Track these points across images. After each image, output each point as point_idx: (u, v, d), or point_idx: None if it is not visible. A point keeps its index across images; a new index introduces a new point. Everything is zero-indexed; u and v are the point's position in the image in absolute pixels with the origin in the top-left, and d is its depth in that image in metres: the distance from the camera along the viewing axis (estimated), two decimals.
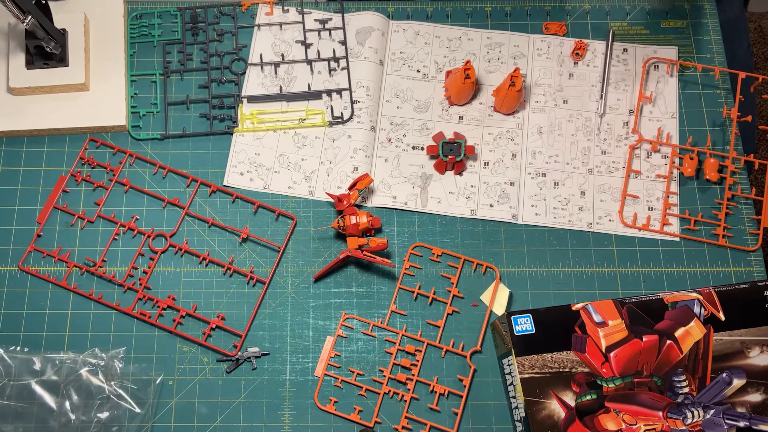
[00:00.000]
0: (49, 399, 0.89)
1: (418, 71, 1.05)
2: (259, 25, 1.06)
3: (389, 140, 1.02)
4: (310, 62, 1.05)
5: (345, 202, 0.95)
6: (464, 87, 0.99)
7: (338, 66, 1.04)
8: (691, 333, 0.86)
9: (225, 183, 0.99)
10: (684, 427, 0.83)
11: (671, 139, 1.02)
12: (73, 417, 0.88)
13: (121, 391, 0.89)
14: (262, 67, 1.04)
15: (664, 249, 0.97)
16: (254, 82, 1.04)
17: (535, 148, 1.02)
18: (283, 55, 1.05)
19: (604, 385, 0.84)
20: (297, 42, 1.06)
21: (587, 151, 1.02)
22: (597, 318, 0.86)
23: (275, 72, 1.04)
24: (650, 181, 1.00)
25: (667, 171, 1.00)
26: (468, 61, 0.98)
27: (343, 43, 1.05)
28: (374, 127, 1.02)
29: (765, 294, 0.87)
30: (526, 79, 1.04)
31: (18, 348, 0.91)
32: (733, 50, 1.13)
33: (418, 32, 1.07)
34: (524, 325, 0.86)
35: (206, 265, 0.96)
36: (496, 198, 0.99)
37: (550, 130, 1.03)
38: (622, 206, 0.98)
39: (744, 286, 0.88)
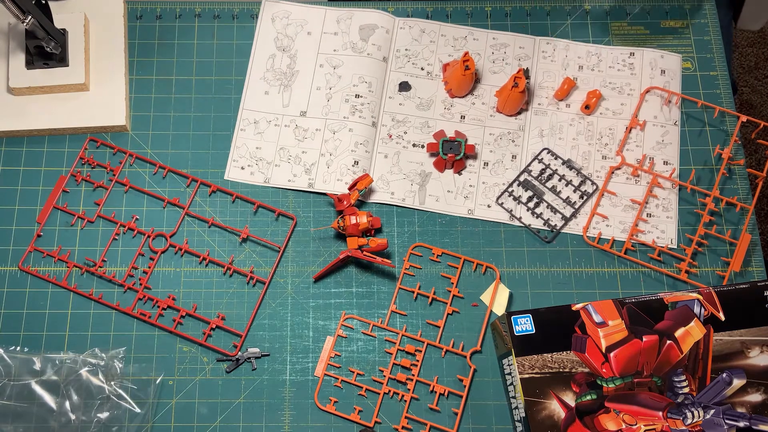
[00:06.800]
0: (49, 399, 0.89)
1: (422, 69, 1.05)
2: (260, 22, 1.06)
3: (390, 136, 1.02)
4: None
5: (345, 202, 0.95)
6: (464, 79, 1.00)
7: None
8: (691, 333, 0.86)
9: (225, 177, 0.99)
10: (684, 428, 0.83)
11: (655, 167, 1.00)
12: (73, 417, 0.88)
13: (121, 391, 0.89)
14: (263, 63, 1.04)
15: (663, 251, 0.97)
16: (256, 77, 1.04)
17: (535, 151, 1.02)
18: (285, 50, 1.05)
19: (604, 385, 0.84)
20: (299, 36, 1.06)
21: (588, 156, 1.02)
22: (597, 318, 0.86)
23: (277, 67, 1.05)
24: (633, 199, 0.99)
25: (643, 197, 0.99)
26: (466, 53, 0.99)
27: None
28: (375, 123, 1.02)
29: (765, 294, 0.87)
30: (529, 81, 1.04)
31: (18, 348, 0.91)
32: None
33: (424, 30, 1.07)
34: (524, 325, 0.86)
35: (206, 265, 0.96)
36: (493, 198, 0.99)
37: (551, 132, 1.03)
38: (588, 223, 0.98)
39: (744, 286, 0.88)
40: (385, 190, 0.99)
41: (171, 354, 0.92)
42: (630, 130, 1.02)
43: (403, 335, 0.93)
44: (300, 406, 0.90)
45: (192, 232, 0.98)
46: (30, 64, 1.00)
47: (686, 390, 0.84)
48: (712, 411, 0.84)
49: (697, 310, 0.87)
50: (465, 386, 0.91)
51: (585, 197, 0.99)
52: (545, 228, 0.98)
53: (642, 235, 0.98)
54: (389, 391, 0.91)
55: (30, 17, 0.92)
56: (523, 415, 0.84)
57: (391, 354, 0.92)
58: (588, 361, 0.85)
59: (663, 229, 0.98)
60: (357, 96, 1.03)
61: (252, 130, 1.02)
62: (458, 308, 0.95)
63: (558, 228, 0.98)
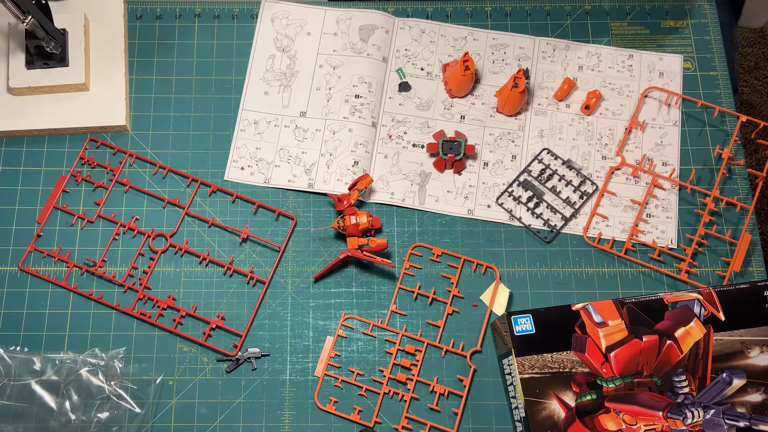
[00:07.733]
0: (49, 399, 0.89)
1: (422, 69, 1.05)
2: (259, 22, 1.07)
3: (390, 137, 1.02)
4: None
5: (345, 202, 0.95)
6: (464, 79, 1.00)
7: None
8: (691, 333, 0.86)
9: (225, 178, 0.99)
10: (684, 428, 0.83)
11: (655, 167, 1.00)
12: (73, 417, 0.88)
13: (121, 391, 0.89)
14: (263, 63, 1.05)
15: (663, 251, 0.97)
16: (256, 77, 1.04)
17: (535, 151, 1.02)
18: (284, 50, 1.05)
19: (604, 385, 0.84)
20: (299, 36, 1.06)
21: (588, 156, 1.02)
22: (597, 318, 0.86)
23: (276, 67, 1.05)
24: (634, 200, 0.99)
25: (643, 197, 0.99)
26: (466, 53, 0.99)
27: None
28: (375, 123, 1.02)
29: (765, 294, 0.87)
30: (529, 81, 1.04)
31: (18, 348, 0.91)
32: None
33: (424, 30, 1.07)
34: (524, 325, 0.86)
35: (206, 265, 0.96)
36: (493, 198, 0.99)
37: (551, 133, 1.03)
38: (588, 223, 0.98)
39: (744, 286, 0.88)
40: (385, 190, 0.99)
41: (171, 354, 0.92)
42: (629, 131, 1.02)
43: (403, 335, 0.93)
44: (300, 406, 0.90)
45: (192, 232, 0.98)
46: (30, 64, 1.00)
47: (686, 390, 0.84)
48: (712, 411, 0.84)
49: (697, 310, 0.87)
50: (465, 386, 0.91)
51: (585, 197, 0.99)
52: (545, 228, 0.98)
53: (642, 236, 0.98)
54: (389, 391, 0.91)
55: (30, 17, 0.92)
56: (523, 415, 0.84)
57: (391, 354, 0.92)
58: (588, 361, 0.85)
59: (663, 229, 0.98)
60: (357, 96, 1.03)
61: (252, 131, 1.02)
62: (458, 308, 0.95)
63: (558, 228, 0.98)
